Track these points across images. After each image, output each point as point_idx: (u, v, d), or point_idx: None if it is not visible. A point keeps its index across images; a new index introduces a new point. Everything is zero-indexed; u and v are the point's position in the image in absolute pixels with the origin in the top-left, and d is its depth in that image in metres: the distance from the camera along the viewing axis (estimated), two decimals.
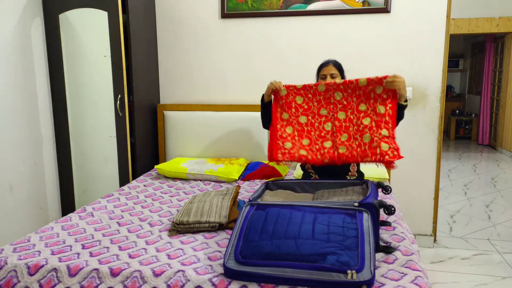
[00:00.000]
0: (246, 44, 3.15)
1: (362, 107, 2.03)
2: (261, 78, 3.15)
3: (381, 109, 1.99)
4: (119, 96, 2.75)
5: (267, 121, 2.26)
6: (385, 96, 2.00)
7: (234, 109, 3.13)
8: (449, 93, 9.05)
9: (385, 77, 1.98)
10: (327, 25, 3.02)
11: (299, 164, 2.61)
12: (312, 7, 3.00)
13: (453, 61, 8.88)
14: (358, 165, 2.30)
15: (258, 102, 3.16)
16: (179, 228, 1.78)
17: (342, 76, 2.29)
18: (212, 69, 3.22)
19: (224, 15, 3.12)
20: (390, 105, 1.98)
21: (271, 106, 2.20)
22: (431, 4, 2.86)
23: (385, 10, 2.91)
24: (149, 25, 3.16)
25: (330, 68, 2.25)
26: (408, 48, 2.94)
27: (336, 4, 2.97)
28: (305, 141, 2.10)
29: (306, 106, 2.11)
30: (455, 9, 5.00)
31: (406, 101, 2.04)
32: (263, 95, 2.24)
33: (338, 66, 2.28)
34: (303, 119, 2.11)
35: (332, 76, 2.24)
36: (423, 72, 2.94)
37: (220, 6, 3.12)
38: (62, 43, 2.84)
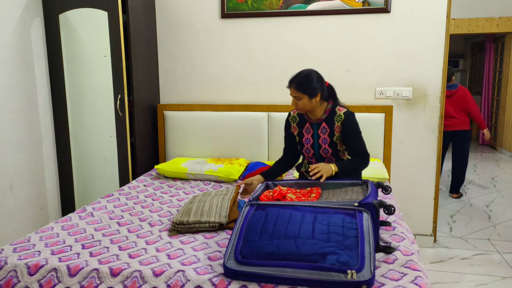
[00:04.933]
0: (246, 44, 3.15)
1: None
2: (261, 78, 3.16)
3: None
4: (119, 96, 2.75)
5: None
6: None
7: (234, 109, 3.13)
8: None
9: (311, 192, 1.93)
10: (327, 25, 3.01)
11: (295, 166, 2.59)
12: (312, 7, 3.00)
13: (453, 61, 8.87)
14: None
15: (258, 102, 3.17)
16: (179, 228, 1.78)
17: (313, 94, 2.02)
18: (212, 69, 3.22)
19: (224, 15, 3.12)
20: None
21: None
22: (431, 4, 2.86)
23: (385, 10, 2.91)
24: (149, 25, 3.16)
25: (292, 91, 2.04)
26: (408, 47, 2.94)
27: (336, 4, 2.97)
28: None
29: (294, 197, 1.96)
30: (455, 9, 5.00)
31: (338, 172, 2.02)
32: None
33: (303, 87, 2.01)
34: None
35: (296, 99, 2.04)
36: (423, 72, 2.94)
37: (220, 6, 3.12)
38: (62, 43, 2.84)
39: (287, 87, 2.07)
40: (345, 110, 2.11)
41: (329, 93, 2.15)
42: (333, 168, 2.00)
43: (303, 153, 2.23)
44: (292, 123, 2.24)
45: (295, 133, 2.23)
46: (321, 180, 1.94)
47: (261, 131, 3.06)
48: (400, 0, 2.90)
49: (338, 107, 2.12)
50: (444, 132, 3.74)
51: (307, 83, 2.02)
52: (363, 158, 2.11)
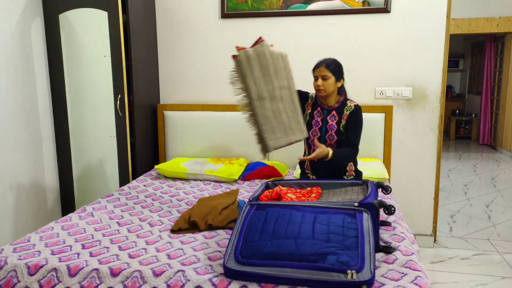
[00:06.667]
0: (246, 44, 3.14)
1: None
2: None
3: None
4: (119, 96, 2.75)
5: None
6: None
7: (234, 109, 3.12)
8: (449, 93, 9.05)
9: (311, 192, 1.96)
10: (327, 25, 3.01)
11: (298, 163, 2.61)
12: (312, 7, 3.00)
13: (453, 61, 8.87)
14: (355, 164, 2.29)
15: None
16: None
17: (338, 77, 2.19)
18: (212, 69, 3.22)
19: (224, 15, 3.12)
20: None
21: None
22: (431, 4, 2.86)
23: (385, 10, 2.91)
24: (149, 25, 3.16)
25: (321, 69, 2.15)
26: (408, 48, 2.94)
27: (336, 4, 2.97)
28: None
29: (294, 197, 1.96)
30: (455, 9, 5.00)
31: (332, 158, 2.11)
32: None
33: (332, 67, 2.16)
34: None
35: (324, 78, 2.14)
36: (423, 72, 2.94)
37: (220, 6, 3.12)
38: (62, 43, 2.84)
39: (315, 68, 2.20)
40: (356, 103, 2.25)
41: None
42: (330, 152, 2.09)
43: (309, 135, 2.26)
44: (309, 100, 2.34)
45: (308, 111, 2.31)
46: (311, 156, 2.06)
47: None
48: (400, 0, 2.90)
49: (349, 100, 2.26)
50: None
51: (336, 65, 2.19)
52: (355, 150, 2.23)
